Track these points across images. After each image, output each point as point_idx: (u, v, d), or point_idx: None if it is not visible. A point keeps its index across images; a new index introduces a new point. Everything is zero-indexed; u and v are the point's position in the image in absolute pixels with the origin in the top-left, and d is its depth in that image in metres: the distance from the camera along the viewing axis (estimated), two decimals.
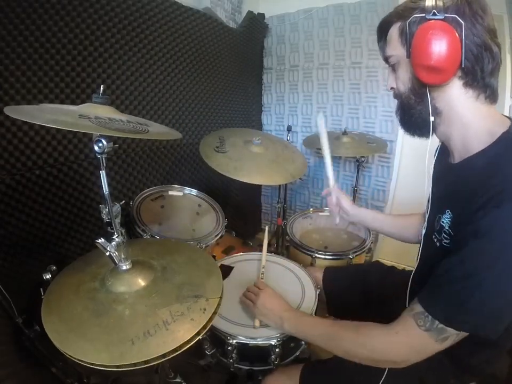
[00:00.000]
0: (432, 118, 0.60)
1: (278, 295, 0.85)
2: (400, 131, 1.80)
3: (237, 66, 1.96)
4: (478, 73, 0.54)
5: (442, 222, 0.60)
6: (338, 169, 2.12)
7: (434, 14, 0.52)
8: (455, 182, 0.61)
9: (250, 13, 1.99)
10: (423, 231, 0.70)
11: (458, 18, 0.51)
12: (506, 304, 0.51)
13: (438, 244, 0.63)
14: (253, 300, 0.85)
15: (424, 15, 0.53)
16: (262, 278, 0.98)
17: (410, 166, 1.87)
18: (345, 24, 1.86)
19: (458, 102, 0.58)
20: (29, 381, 0.90)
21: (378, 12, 1.73)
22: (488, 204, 0.49)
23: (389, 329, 0.61)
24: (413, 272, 0.69)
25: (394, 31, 0.60)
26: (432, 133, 0.63)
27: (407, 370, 0.68)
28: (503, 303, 0.51)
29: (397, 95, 0.66)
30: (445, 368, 0.69)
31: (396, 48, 0.60)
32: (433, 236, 0.65)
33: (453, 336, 0.55)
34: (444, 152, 0.70)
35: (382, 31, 0.65)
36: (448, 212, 0.59)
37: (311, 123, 2.14)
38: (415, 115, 0.63)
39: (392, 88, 0.67)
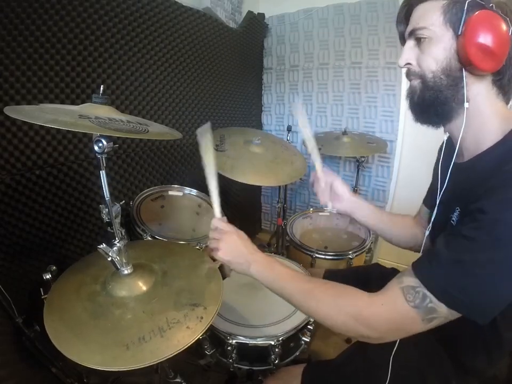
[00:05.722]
0: (467, 105, 0.56)
1: (244, 236, 0.71)
2: (400, 131, 1.84)
3: (237, 66, 1.96)
4: (507, 75, 0.54)
5: (453, 220, 0.59)
6: (338, 169, 2.11)
7: (492, 7, 0.51)
8: (465, 181, 0.59)
9: (250, 13, 1.99)
10: (427, 232, 0.69)
11: (508, 20, 0.51)
12: (504, 292, 0.49)
13: None
14: (216, 246, 0.69)
15: (483, 3, 0.51)
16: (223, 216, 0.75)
17: (410, 166, 1.87)
18: (345, 24, 1.85)
19: (483, 97, 0.57)
20: (29, 381, 0.90)
21: (378, 12, 1.73)
22: (495, 186, 0.48)
23: (374, 300, 0.57)
24: None
25: (435, 5, 0.55)
26: (442, 125, 0.62)
27: (410, 372, 0.68)
28: (503, 290, 0.48)
29: (415, 73, 0.59)
30: (447, 370, 0.69)
31: (434, 23, 0.55)
32: None
33: (440, 318, 0.51)
34: (448, 150, 0.67)
35: (413, 2, 0.59)
36: (457, 209, 0.58)
37: (311, 123, 2.14)
38: (440, 98, 0.57)
39: (408, 64, 0.60)
